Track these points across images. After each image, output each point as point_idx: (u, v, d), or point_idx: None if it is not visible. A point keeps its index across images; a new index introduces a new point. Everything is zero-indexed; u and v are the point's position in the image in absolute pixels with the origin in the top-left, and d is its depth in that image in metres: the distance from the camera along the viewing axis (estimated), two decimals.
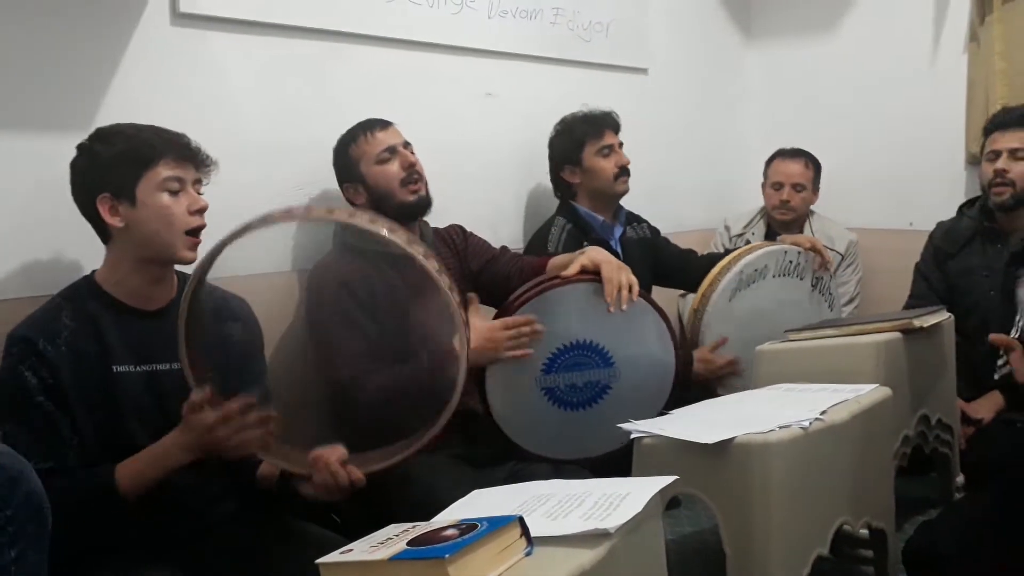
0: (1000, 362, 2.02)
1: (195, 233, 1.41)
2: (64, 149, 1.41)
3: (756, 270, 2.22)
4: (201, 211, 1.42)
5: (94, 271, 1.44)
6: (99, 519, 1.27)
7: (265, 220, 1.29)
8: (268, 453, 1.37)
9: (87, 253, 1.45)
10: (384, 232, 1.33)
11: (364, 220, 1.37)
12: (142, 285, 1.42)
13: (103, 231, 1.41)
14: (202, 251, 1.41)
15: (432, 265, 1.35)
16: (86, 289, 1.41)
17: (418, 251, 1.34)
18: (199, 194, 1.43)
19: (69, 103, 1.63)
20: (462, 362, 1.38)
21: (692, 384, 2.10)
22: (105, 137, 1.40)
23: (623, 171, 2.34)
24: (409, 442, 1.41)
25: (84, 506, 1.24)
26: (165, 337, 1.40)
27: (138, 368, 1.39)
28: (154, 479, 1.31)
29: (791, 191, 2.78)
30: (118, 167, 1.36)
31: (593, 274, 1.83)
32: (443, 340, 1.62)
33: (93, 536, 1.28)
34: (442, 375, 1.56)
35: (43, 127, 1.59)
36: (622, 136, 2.40)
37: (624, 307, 1.77)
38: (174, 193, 1.39)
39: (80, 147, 1.41)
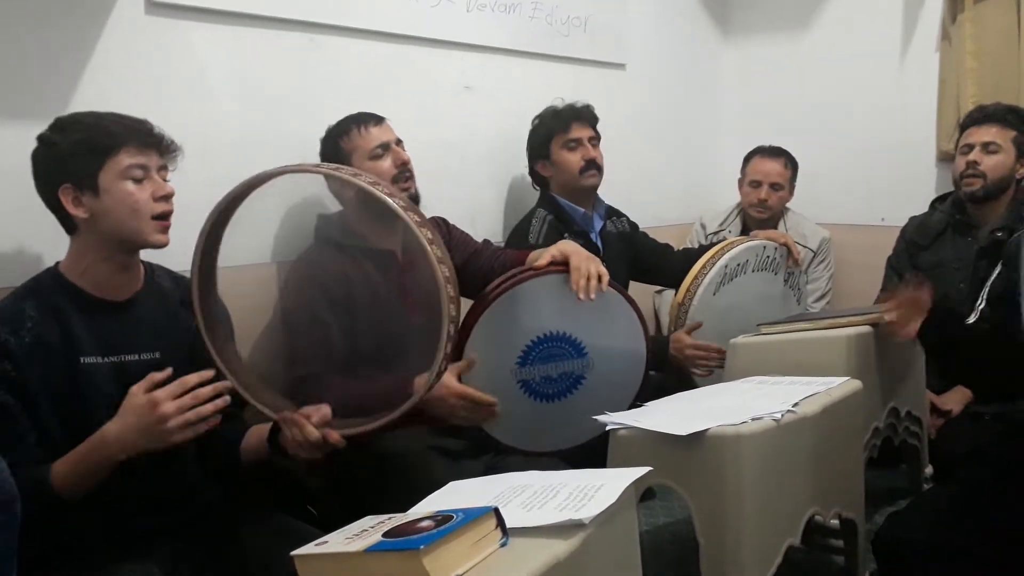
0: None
1: (164, 218, 1.39)
2: (34, 139, 1.39)
3: (739, 264, 2.25)
4: (167, 197, 1.39)
5: (58, 263, 1.41)
6: (38, 518, 1.19)
7: (261, 177, 1.34)
8: (253, 396, 1.38)
9: (54, 244, 1.43)
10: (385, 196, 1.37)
11: (348, 173, 1.42)
12: (108, 275, 1.40)
13: (67, 222, 1.38)
14: (173, 236, 1.41)
15: (426, 234, 1.37)
16: (50, 280, 1.38)
17: (413, 218, 1.36)
18: (165, 180, 1.41)
19: (40, 92, 1.61)
20: (443, 340, 1.39)
21: (666, 366, 2.12)
22: (64, 126, 1.36)
23: (590, 165, 2.33)
24: (386, 413, 1.42)
25: (24, 505, 1.14)
26: (133, 327, 1.40)
27: (106, 359, 1.37)
28: (86, 477, 1.27)
29: (769, 190, 2.80)
30: (78, 157, 1.33)
31: (563, 265, 1.84)
32: (410, 356, 1.62)
33: (37, 536, 1.20)
34: (396, 396, 1.55)
35: (12, 116, 1.57)
36: (600, 130, 2.40)
37: (592, 296, 1.77)
38: (138, 181, 1.36)
39: (40, 138, 1.37)
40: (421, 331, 1.66)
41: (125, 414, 1.27)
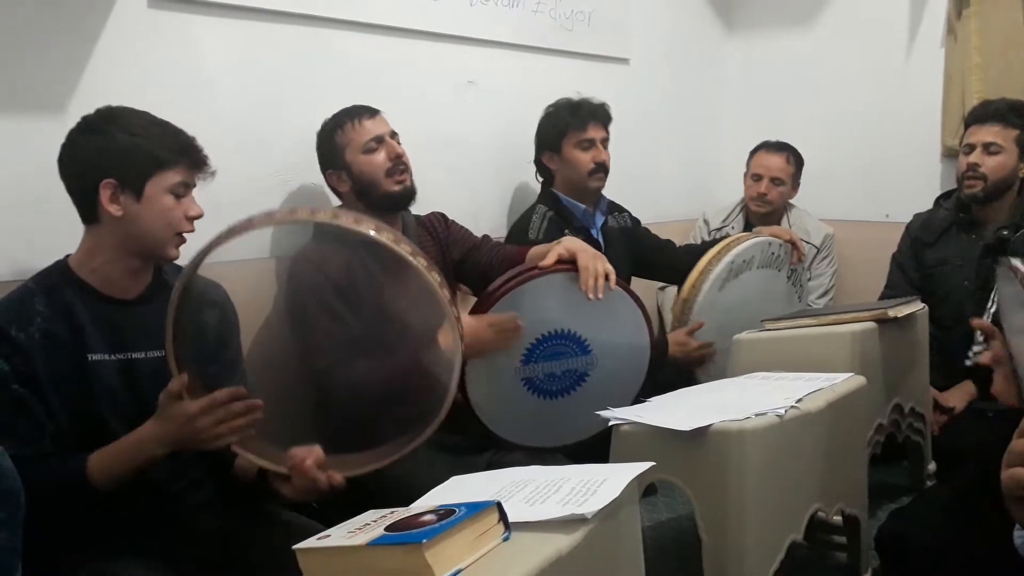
0: (975, 348, 2.02)
1: (182, 234, 1.41)
2: (38, 133, 1.38)
3: (744, 260, 2.25)
4: (195, 218, 1.41)
5: (67, 256, 1.41)
6: (69, 509, 1.26)
7: (249, 224, 1.30)
8: (244, 449, 1.36)
9: (60, 238, 1.43)
10: (372, 233, 1.34)
11: (349, 220, 1.37)
12: (120, 274, 1.40)
13: (91, 213, 1.37)
14: (185, 249, 1.42)
15: (421, 262, 1.36)
16: (60, 275, 1.38)
17: (406, 250, 1.35)
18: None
19: (43, 86, 1.60)
20: (456, 363, 1.39)
21: (666, 366, 2.11)
22: (123, 123, 1.35)
23: (599, 167, 2.32)
24: (393, 448, 1.42)
25: (56, 495, 1.22)
26: (141, 325, 1.40)
27: (113, 356, 1.37)
28: (125, 472, 1.29)
29: (769, 184, 2.79)
30: (133, 158, 1.34)
31: (570, 263, 1.83)
32: (423, 331, 1.63)
33: (64, 526, 1.26)
34: (420, 367, 1.57)
35: (16, 110, 1.57)
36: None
37: (600, 295, 1.78)
38: (178, 197, 1.38)
39: (89, 123, 1.36)
40: (421, 321, 1.66)
41: (164, 420, 1.28)
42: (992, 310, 1.98)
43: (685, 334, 2.19)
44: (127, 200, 1.34)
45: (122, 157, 1.34)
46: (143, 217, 1.36)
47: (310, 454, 1.37)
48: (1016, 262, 1.33)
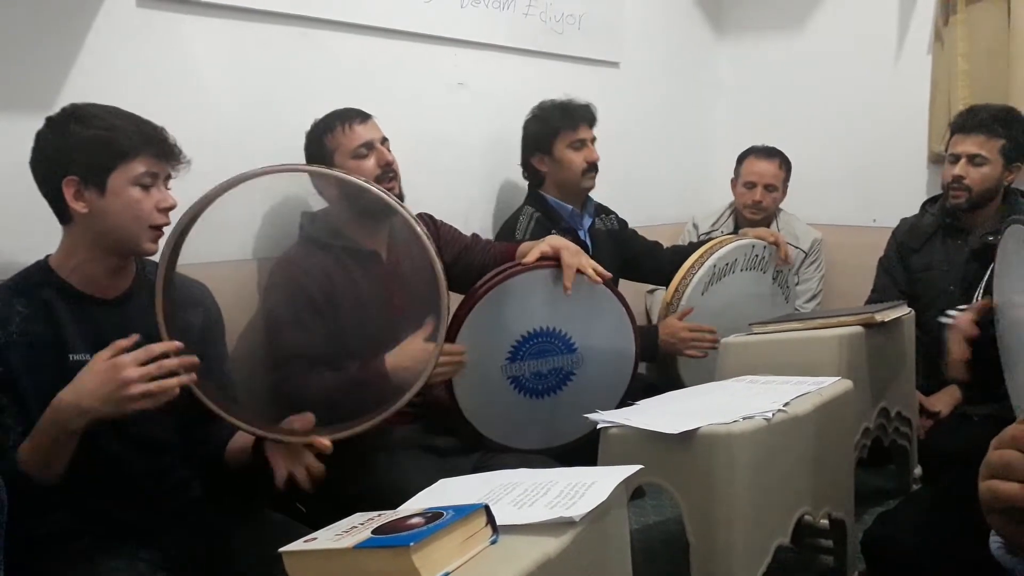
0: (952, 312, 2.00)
1: (158, 227, 1.38)
2: (24, 132, 1.37)
3: (727, 264, 2.26)
4: (169, 209, 1.38)
5: (48, 256, 1.39)
6: (22, 505, 1.17)
7: (252, 174, 1.32)
8: (231, 416, 1.35)
9: (47, 236, 1.41)
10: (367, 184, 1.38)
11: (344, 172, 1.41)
12: (100, 273, 1.38)
13: (63, 212, 1.35)
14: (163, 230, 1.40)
15: (414, 216, 1.37)
16: (40, 275, 1.36)
17: (399, 204, 1.36)
18: (168, 189, 1.40)
19: (30, 85, 1.59)
20: (440, 341, 1.41)
21: (656, 356, 2.12)
22: (82, 118, 1.33)
23: (592, 167, 2.33)
24: (375, 414, 1.42)
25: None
26: (123, 325, 1.37)
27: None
28: (50, 452, 1.22)
29: (764, 192, 2.80)
30: (92, 153, 1.31)
31: (553, 260, 1.83)
32: (388, 350, 1.63)
33: (35, 525, 1.23)
34: (373, 391, 1.56)
35: (3, 109, 1.55)
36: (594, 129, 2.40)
37: (599, 279, 1.80)
38: (146, 188, 1.35)
39: (51, 121, 1.34)
40: (406, 331, 1.65)
41: (81, 380, 1.23)
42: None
43: (676, 318, 2.19)
44: (91, 196, 1.32)
45: (81, 152, 1.31)
46: (110, 212, 1.33)
47: (301, 419, 1.40)
48: None
